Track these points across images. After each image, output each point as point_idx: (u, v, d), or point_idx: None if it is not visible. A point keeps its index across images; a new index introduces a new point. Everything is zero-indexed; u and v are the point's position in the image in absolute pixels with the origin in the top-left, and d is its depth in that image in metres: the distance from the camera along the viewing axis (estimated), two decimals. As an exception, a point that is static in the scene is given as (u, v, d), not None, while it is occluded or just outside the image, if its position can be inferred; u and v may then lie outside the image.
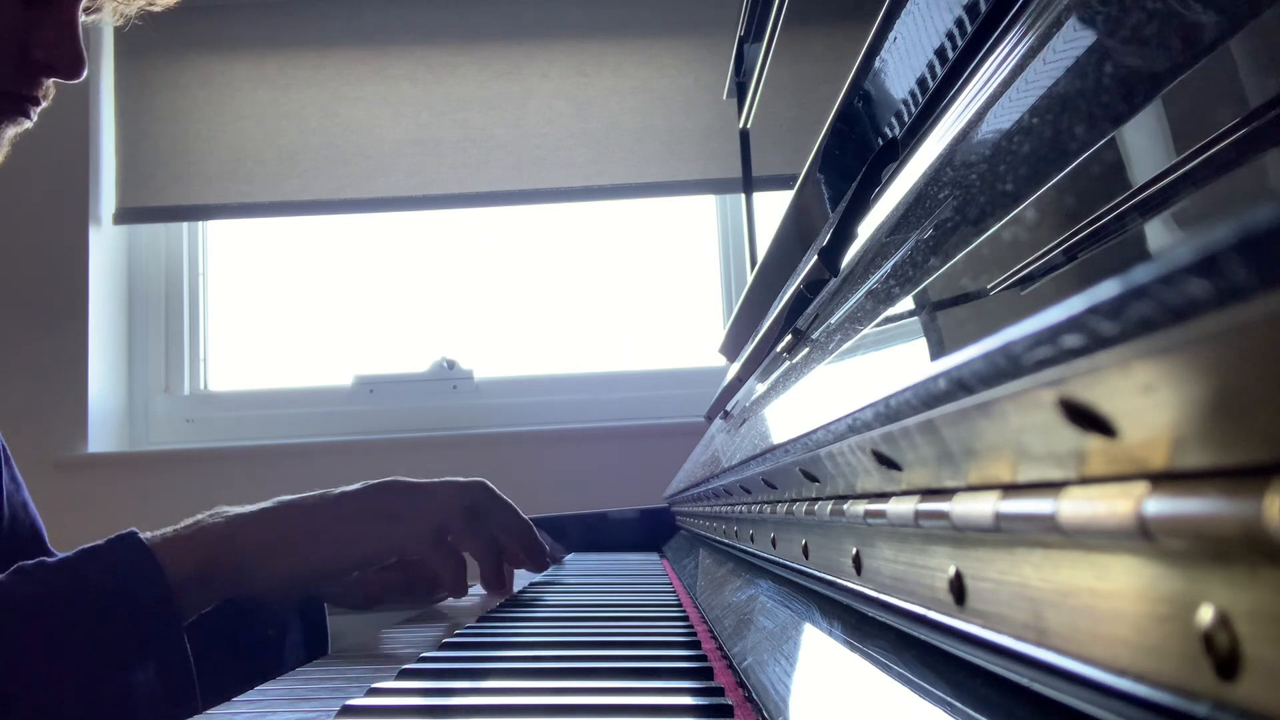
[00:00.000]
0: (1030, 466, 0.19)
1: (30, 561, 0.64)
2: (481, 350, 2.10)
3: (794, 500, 0.45)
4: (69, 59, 0.76)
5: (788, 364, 0.57)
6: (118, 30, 0.85)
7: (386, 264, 2.15)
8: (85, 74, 0.77)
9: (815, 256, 0.56)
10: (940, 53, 0.45)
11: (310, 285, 2.16)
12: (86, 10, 0.80)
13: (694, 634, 0.57)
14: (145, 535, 0.68)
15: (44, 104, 0.78)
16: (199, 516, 0.73)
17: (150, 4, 0.84)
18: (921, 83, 0.49)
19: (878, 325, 0.33)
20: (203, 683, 0.63)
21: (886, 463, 0.27)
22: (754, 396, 0.70)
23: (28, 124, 0.77)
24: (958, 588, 0.24)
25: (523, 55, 2.05)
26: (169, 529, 0.71)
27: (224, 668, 0.70)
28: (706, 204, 2.13)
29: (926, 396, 0.21)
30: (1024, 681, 0.20)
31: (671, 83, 2.02)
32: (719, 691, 0.40)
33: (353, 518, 0.75)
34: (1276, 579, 0.13)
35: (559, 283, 2.13)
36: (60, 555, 0.66)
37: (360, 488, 0.78)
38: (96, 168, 1.98)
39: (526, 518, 0.84)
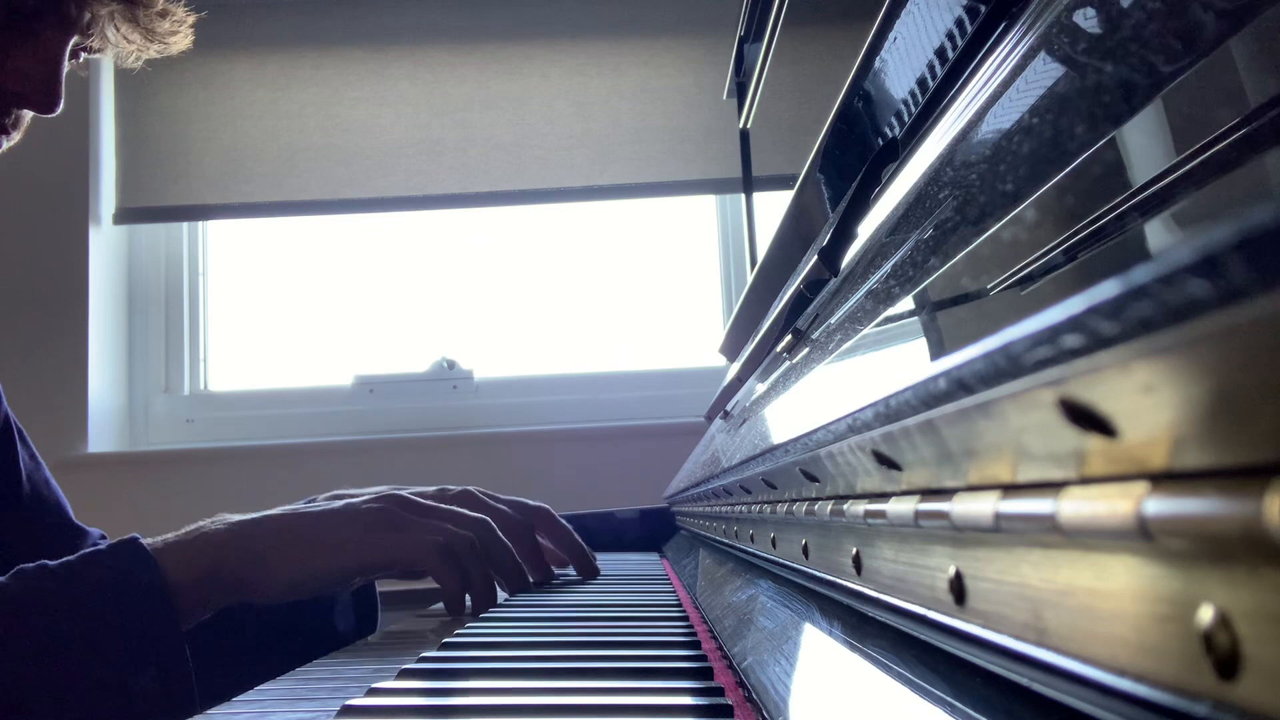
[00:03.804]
0: (1030, 466, 0.19)
1: (31, 564, 0.64)
2: (481, 350, 2.10)
3: (794, 500, 0.45)
4: (43, 94, 0.75)
5: (788, 364, 0.57)
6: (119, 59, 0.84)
7: (386, 264, 2.15)
8: (59, 110, 0.76)
9: (815, 256, 0.56)
10: (940, 53, 0.45)
11: (310, 285, 2.16)
12: (88, 50, 0.79)
13: (694, 634, 0.57)
14: (147, 540, 0.68)
15: (15, 135, 0.78)
16: (201, 522, 0.73)
17: (154, 51, 0.84)
18: (921, 83, 0.49)
19: (878, 325, 0.33)
20: (257, 658, 0.64)
21: (886, 463, 0.27)
22: (754, 396, 0.70)
23: None
24: (958, 588, 0.24)
25: (523, 55, 2.05)
26: (171, 535, 0.71)
27: (278, 645, 0.71)
28: (706, 204, 2.13)
29: (926, 396, 0.21)
30: (1024, 681, 0.20)
31: (671, 83, 2.02)
32: (719, 691, 0.40)
33: (357, 526, 0.75)
34: (1276, 579, 0.13)
35: (559, 283, 2.13)
36: (62, 559, 0.66)
37: (367, 498, 0.78)
38: (96, 168, 1.98)
39: (521, 563, 0.84)
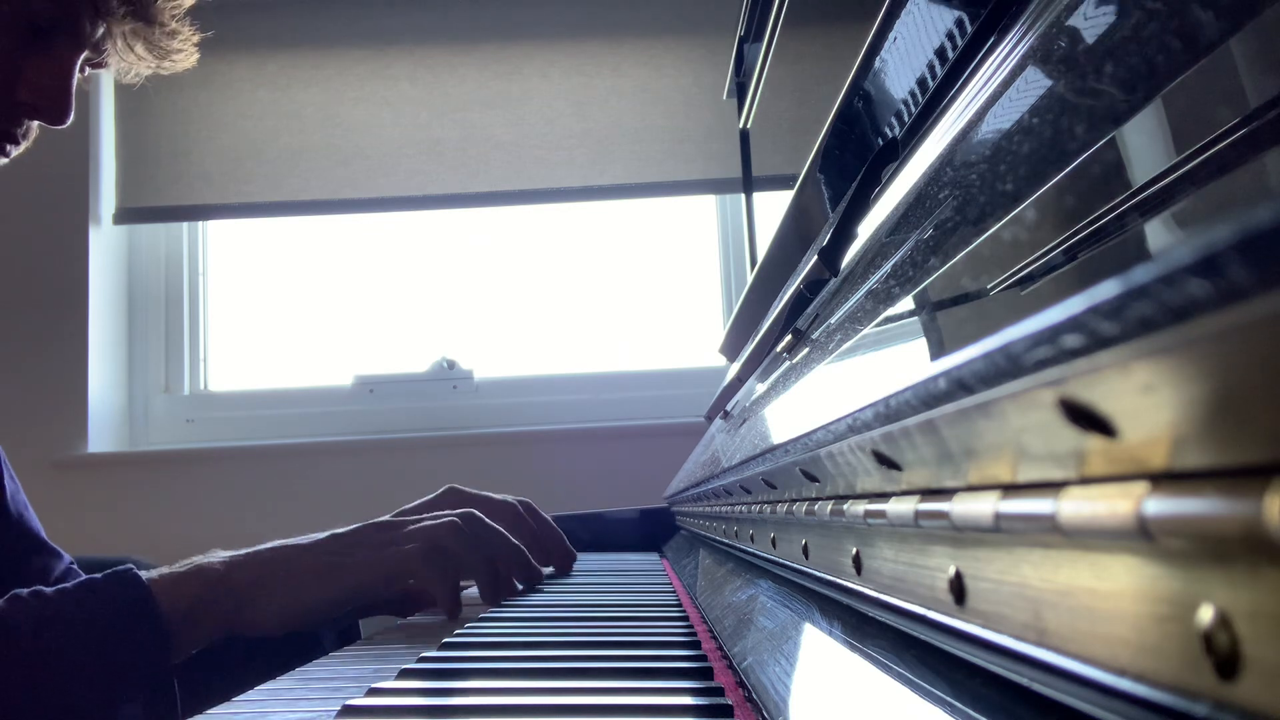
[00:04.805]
0: (1030, 466, 0.19)
1: (27, 590, 0.65)
2: (481, 350, 2.10)
3: (794, 500, 0.45)
4: (56, 106, 0.77)
5: (788, 364, 0.57)
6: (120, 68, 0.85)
7: (386, 264, 2.15)
8: (69, 122, 0.78)
9: (815, 256, 0.56)
10: (940, 53, 0.45)
11: (310, 285, 2.16)
12: (94, 65, 0.80)
13: (694, 634, 0.57)
14: (143, 573, 0.69)
15: (24, 144, 0.79)
16: (196, 558, 0.74)
17: (159, 68, 0.85)
18: (921, 83, 0.49)
19: (878, 325, 0.33)
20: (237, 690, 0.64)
21: (886, 463, 0.27)
22: (754, 396, 0.70)
23: (2, 160, 0.78)
24: (958, 588, 0.24)
25: (523, 55, 2.05)
26: (166, 568, 0.72)
27: (256, 675, 0.71)
28: (706, 204, 2.13)
29: (926, 396, 0.21)
30: (1024, 681, 0.20)
31: (671, 83, 2.02)
32: (719, 691, 0.40)
33: (344, 551, 0.76)
34: (1276, 579, 0.13)
35: (559, 283, 2.13)
36: (58, 586, 0.67)
37: (353, 526, 0.80)
38: (96, 168, 1.98)
39: (518, 542, 0.84)
